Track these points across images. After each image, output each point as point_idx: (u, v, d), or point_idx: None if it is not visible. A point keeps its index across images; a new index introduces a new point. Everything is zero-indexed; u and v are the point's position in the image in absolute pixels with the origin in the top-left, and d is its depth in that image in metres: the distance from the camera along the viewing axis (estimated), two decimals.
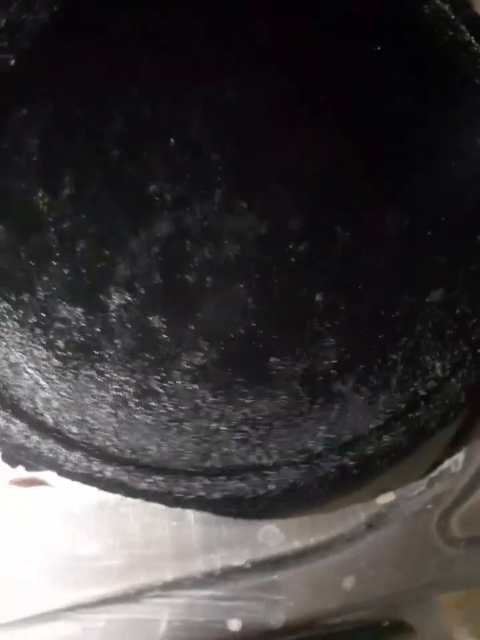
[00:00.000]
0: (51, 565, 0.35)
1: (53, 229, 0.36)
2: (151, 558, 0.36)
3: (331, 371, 0.34)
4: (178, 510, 0.35)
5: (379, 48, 0.39)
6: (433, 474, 0.39)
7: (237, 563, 0.36)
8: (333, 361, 0.34)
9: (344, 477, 0.32)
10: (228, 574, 0.36)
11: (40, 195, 0.36)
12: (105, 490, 0.32)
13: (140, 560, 0.36)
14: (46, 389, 0.33)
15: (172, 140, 0.37)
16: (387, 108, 0.39)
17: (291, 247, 0.36)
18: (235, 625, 0.35)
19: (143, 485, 0.31)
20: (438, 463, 0.39)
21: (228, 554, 0.36)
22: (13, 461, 0.34)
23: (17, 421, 0.32)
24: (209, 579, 0.36)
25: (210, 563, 0.36)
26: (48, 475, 0.35)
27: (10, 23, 0.39)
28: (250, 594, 0.36)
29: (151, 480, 0.32)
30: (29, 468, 0.35)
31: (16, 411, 0.32)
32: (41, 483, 0.36)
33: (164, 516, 0.37)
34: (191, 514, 0.36)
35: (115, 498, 0.36)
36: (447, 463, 0.39)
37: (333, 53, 0.39)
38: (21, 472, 0.36)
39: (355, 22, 0.38)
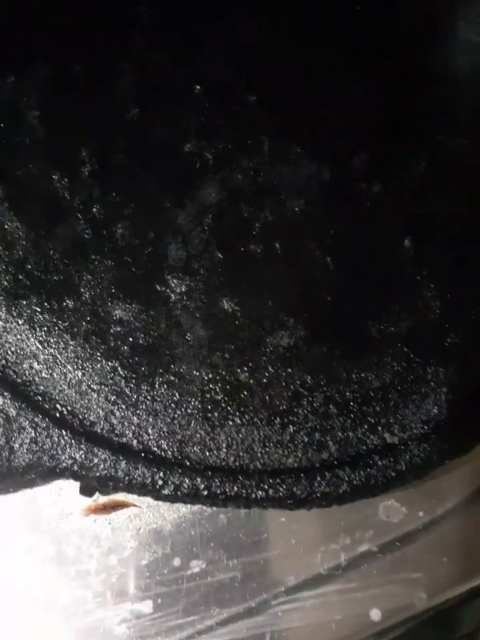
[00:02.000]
0: (159, 591, 0.34)
1: (81, 217, 0.33)
2: (265, 563, 0.35)
3: (439, 324, 0.32)
4: None
5: None
6: None
7: (362, 548, 0.35)
8: (438, 312, 0.32)
9: (477, 438, 0.31)
10: (355, 562, 0.35)
11: (56, 178, 0.33)
12: (215, 506, 0.30)
13: (254, 568, 0.35)
14: (120, 407, 0.31)
15: (197, 86, 0.35)
16: None
17: (362, 188, 0.34)
18: (375, 614, 0.34)
19: (260, 494, 0.30)
20: None
21: (350, 541, 0.35)
22: (91, 491, 0.32)
23: (98, 450, 0.29)
24: (336, 572, 0.35)
25: (332, 554, 0.35)
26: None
27: None
28: (384, 578, 0.35)
29: (266, 486, 0.30)
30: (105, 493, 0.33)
31: (92, 437, 0.30)
32: (124, 505, 0.34)
33: (267, 514, 0.35)
34: None
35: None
36: None
37: None
38: (96, 497, 0.34)
39: None
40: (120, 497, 0.34)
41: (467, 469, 0.36)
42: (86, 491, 0.33)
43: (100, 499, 0.34)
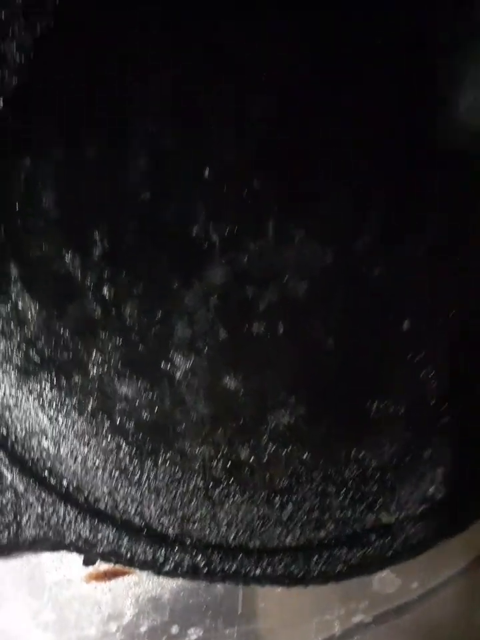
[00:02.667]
0: None
1: (91, 296, 0.35)
2: (261, 632, 0.35)
3: (436, 405, 0.34)
4: None
5: None
6: None
7: (357, 619, 0.36)
8: (436, 393, 0.34)
9: (472, 518, 0.32)
10: (349, 633, 0.36)
11: (69, 258, 0.35)
12: (214, 582, 0.32)
13: (250, 637, 0.35)
14: (124, 484, 0.32)
15: (206, 171, 0.37)
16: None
17: (364, 271, 0.35)
18: None
19: (257, 572, 0.31)
20: None
21: (344, 611, 0.36)
22: (93, 561, 0.34)
23: (102, 526, 0.31)
24: None
25: (327, 625, 0.36)
26: None
27: None
28: None
29: (264, 564, 0.31)
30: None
31: (96, 514, 0.31)
32: (124, 572, 0.35)
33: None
34: None
35: None
36: None
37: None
38: (98, 565, 0.35)
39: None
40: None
41: (460, 541, 0.37)
42: (89, 561, 0.34)
43: (101, 566, 0.35)
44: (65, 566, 0.35)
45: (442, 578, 0.38)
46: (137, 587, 0.36)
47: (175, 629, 0.35)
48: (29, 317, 0.34)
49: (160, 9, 0.38)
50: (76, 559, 0.33)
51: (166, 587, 0.36)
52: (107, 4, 0.38)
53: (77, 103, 0.38)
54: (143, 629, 0.35)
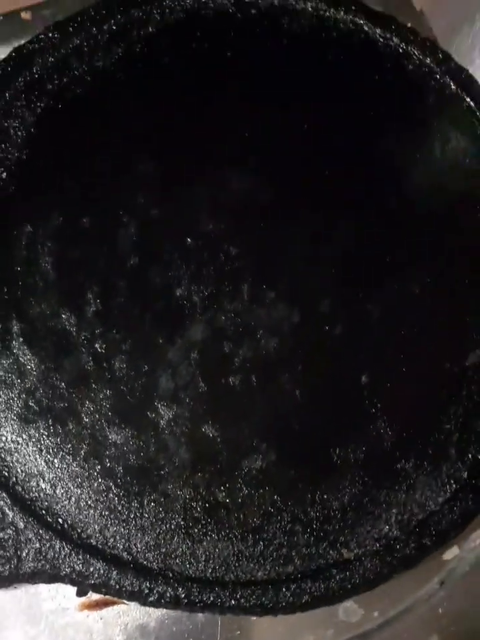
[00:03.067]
0: None
1: (85, 351, 0.39)
2: None
3: (391, 451, 0.38)
4: None
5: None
6: None
7: None
8: (390, 441, 0.38)
9: (424, 554, 0.37)
10: None
11: (65, 316, 0.39)
12: (193, 612, 0.35)
13: None
14: (113, 522, 0.36)
15: (188, 239, 0.41)
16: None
17: (326, 330, 0.40)
18: None
19: (232, 602, 0.35)
20: None
21: (313, 638, 0.40)
22: (86, 592, 0.37)
23: (93, 560, 0.35)
24: None
25: None
26: None
27: None
28: None
29: (238, 596, 0.35)
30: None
31: (88, 549, 0.35)
32: (113, 602, 0.39)
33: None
34: None
35: None
36: None
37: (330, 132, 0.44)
38: (90, 595, 0.39)
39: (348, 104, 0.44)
40: None
41: (415, 574, 0.42)
42: (81, 592, 0.38)
43: (93, 596, 0.39)
44: (60, 596, 0.39)
45: (400, 608, 0.43)
46: (126, 616, 0.39)
47: None
48: (29, 369, 0.38)
49: (149, 94, 0.44)
50: (70, 589, 0.37)
51: (152, 615, 0.39)
52: (103, 87, 0.43)
53: (73, 176, 0.42)
54: None
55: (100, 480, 0.37)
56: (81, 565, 0.35)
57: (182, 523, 0.37)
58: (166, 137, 0.43)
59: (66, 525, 0.36)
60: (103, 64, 0.43)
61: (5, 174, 0.42)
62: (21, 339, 0.39)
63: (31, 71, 0.43)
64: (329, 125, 0.44)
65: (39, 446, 0.37)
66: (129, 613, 0.40)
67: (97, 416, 0.38)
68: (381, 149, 0.44)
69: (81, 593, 0.37)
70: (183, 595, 0.35)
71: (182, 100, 0.44)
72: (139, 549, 0.36)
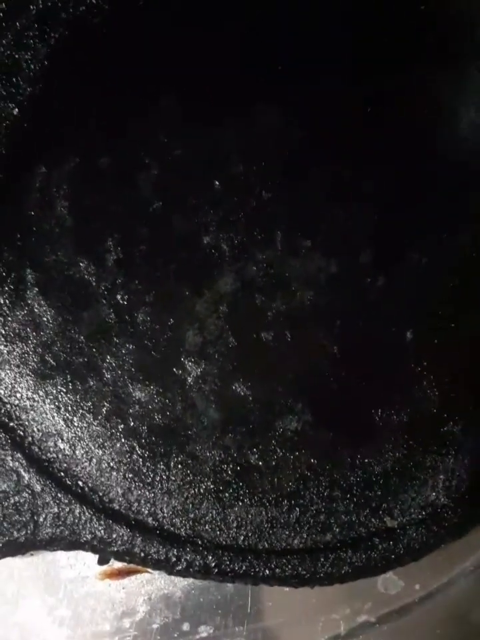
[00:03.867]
0: None
1: (105, 302, 0.37)
2: (269, 630, 0.38)
3: (437, 414, 0.36)
4: None
5: None
6: None
7: (361, 619, 0.38)
8: (437, 403, 0.36)
9: (473, 522, 0.35)
10: (354, 632, 0.38)
11: (83, 265, 0.37)
12: (224, 582, 0.34)
13: (259, 634, 0.38)
14: (137, 485, 0.34)
15: (216, 182, 0.39)
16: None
17: (368, 282, 0.38)
18: None
19: (267, 572, 0.33)
20: None
21: (349, 611, 0.38)
22: (108, 560, 0.36)
23: (116, 526, 0.33)
24: None
25: (333, 624, 0.38)
26: None
27: (2, 66, 0.39)
28: None
29: (273, 565, 0.33)
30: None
31: (111, 514, 0.33)
32: (137, 571, 0.37)
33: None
34: None
35: None
36: None
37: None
38: (111, 562, 0.37)
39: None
40: None
41: (459, 544, 0.39)
42: (103, 560, 0.36)
43: (115, 564, 0.37)
44: (79, 563, 0.37)
45: (443, 580, 0.41)
46: (150, 585, 0.38)
47: (186, 626, 0.37)
48: (45, 321, 0.36)
49: (171, 23, 0.40)
50: (91, 557, 0.35)
51: (177, 585, 0.38)
52: (122, 16, 0.40)
53: (90, 113, 0.39)
54: (155, 625, 0.37)
55: (123, 440, 0.35)
56: (102, 531, 0.33)
57: (211, 486, 0.35)
58: (190, 70, 0.40)
59: (86, 488, 0.34)
60: None
61: (16, 110, 0.39)
62: (36, 289, 0.37)
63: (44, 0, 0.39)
64: (366, 58, 0.41)
65: (56, 403, 0.35)
66: (153, 582, 0.38)
67: (119, 372, 0.36)
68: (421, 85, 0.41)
69: (102, 561, 0.35)
70: (213, 564, 0.33)
71: (209, 29, 0.40)
72: (166, 514, 0.34)
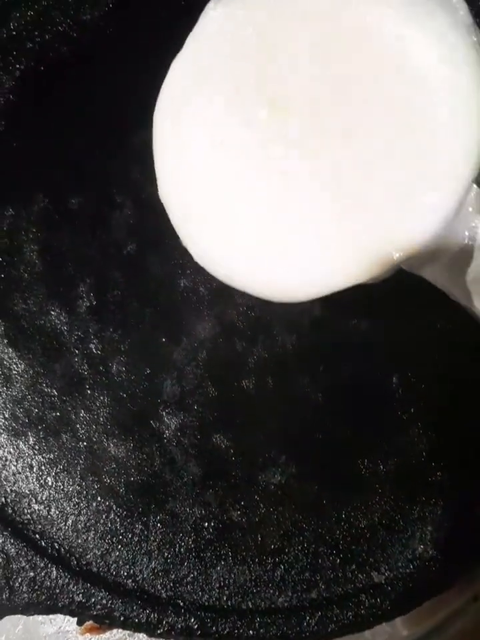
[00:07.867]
0: None
1: (78, 353, 0.38)
2: None
3: (425, 462, 0.38)
4: None
5: None
6: None
7: None
8: (425, 450, 0.38)
9: (462, 573, 0.37)
10: None
11: (55, 313, 0.39)
12: None
13: None
14: (115, 546, 0.36)
15: None
16: None
17: (352, 324, 0.40)
18: None
19: (251, 632, 0.35)
20: None
21: None
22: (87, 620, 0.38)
23: (95, 589, 0.35)
24: None
25: None
26: None
27: None
28: None
29: (257, 625, 0.35)
30: None
31: (89, 577, 0.35)
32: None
33: None
34: None
35: None
36: None
37: None
38: None
39: None
40: None
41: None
42: (82, 622, 0.38)
43: None
44: (59, 618, 0.39)
45: (430, 625, 0.43)
46: (131, 638, 0.40)
47: None
48: (15, 374, 0.38)
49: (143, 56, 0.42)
50: None
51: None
52: (93, 44, 0.42)
53: (59, 150, 0.41)
54: None
55: (99, 499, 0.37)
56: (80, 595, 0.35)
57: (192, 545, 0.36)
58: None
59: (63, 550, 0.36)
60: (91, 17, 0.42)
61: None
62: (5, 340, 0.38)
63: (8, 28, 0.41)
64: None
65: (29, 462, 0.37)
66: (135, 635, 0.40)
67: (94, 426, 0.38)
68: None
69: (82, 623, 0.38)
70: (195, 626, 0.35)
71: None
72: (146, 576, 0.36)
